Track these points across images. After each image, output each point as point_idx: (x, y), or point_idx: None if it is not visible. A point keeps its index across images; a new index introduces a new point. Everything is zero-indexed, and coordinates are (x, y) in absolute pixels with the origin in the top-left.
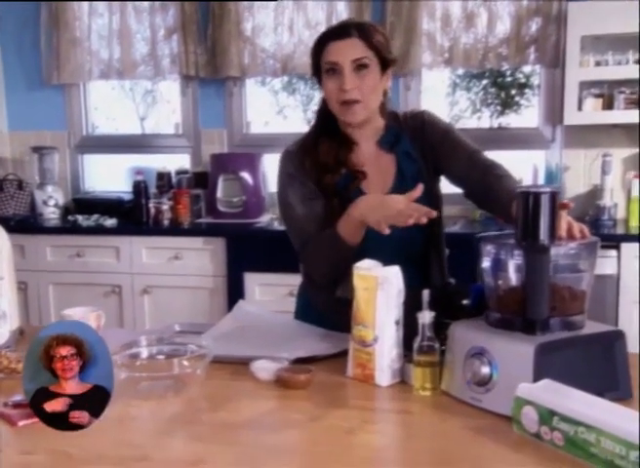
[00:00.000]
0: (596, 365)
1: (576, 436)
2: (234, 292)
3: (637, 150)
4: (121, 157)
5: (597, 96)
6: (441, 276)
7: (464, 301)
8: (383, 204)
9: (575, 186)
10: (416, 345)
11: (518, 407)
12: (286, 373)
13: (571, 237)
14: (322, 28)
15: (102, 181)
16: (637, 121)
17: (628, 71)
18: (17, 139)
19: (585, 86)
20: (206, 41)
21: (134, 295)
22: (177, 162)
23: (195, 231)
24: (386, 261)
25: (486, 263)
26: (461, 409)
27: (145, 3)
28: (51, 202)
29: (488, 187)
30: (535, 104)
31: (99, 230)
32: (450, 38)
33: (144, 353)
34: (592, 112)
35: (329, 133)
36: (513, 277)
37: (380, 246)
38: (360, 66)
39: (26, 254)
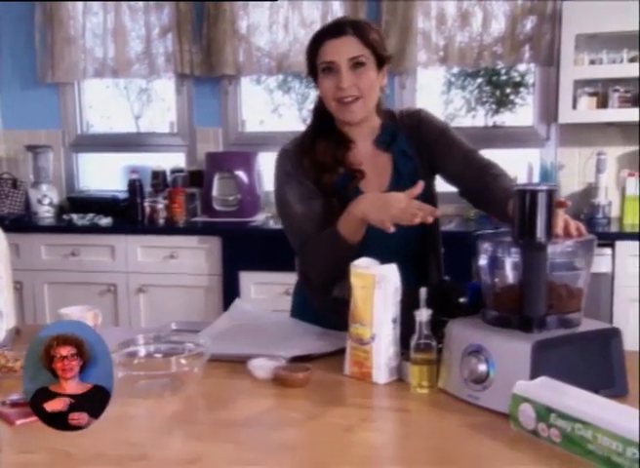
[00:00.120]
0: (593, 362)
1: (573, 433)
2: (230, 291)
3: (631, 148)
4: (116, 156)
5: (592, 94)
6: (438, 274)
7: (461, 299)
8: (387, 203)
9: (569, 184)
10: (413, 343)
11: (515, 404)
12: (283, 372)
13: (567, 235)
14: (317, 27)
15: (97, 180)
16: (631, 119)
17: (623, 70)
18: (11, 138)
19: (580, 84)
20: (201, 39)
21: (129, 294)
22: (172, 160)
23: (190, 230)
24: (384, 259)
25: (483, 261)
26: (459, 406)
27: (140, 2)
28: (45, 201)
29: (484, 186)
30: (529, 103)
31: (93, 229)
32: (445, 37)
33: (142, 351)
34: (587, 111)
35: (325, 132)
36: (510, 275)
37: (378, 244)
38: (357, 64)
39: (21, 254)
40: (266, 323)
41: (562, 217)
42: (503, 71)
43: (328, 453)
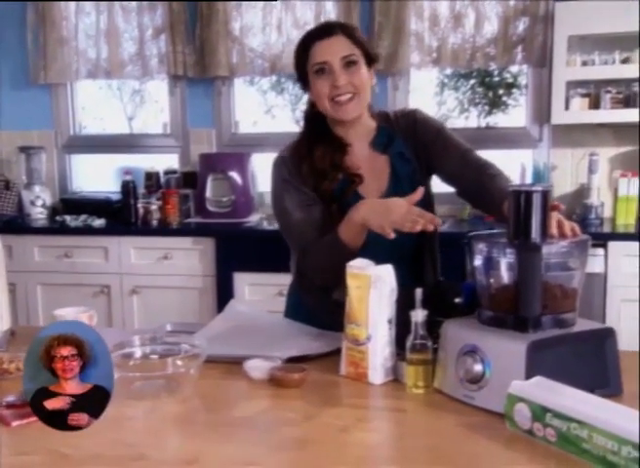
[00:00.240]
0: (587, 362)
1: (568, 432)
2: (223, 292)
3: (624, 149)
4: (109, 157)
5: (584, 95)
6: (434, 275)
7: (457, 299)
8: (387, 208)
9: (562, 185)
10: (408, 343)
11: (511, 404)
12: (279, 372)
13: (562, 235)
14: (310, 28)
15: (90, 181)
16: (623, 120)
17: (615, 71)
18: (3, 139)
19: (572, 85)
20: (194, 41)
21: (123, 296)
22: (165, 162)
23: (184, 231)
24: (379, 260)
25: (478, 262)
26: (454, 406)
27: (133, 2)
28: (38, 202)
29: (481, 186)
30: (522, 104)
31: (87, 230)
32: (438, 38)
33: (138, 353)
34: (579, 112)
35: (320, 136)
36: (505, 275)
37: (374, 245)
38: (349, 63)
39: (14, 255)
40: (262, 324)
41: (556, 218)
42: (496, 72)
43: (324, 454)
